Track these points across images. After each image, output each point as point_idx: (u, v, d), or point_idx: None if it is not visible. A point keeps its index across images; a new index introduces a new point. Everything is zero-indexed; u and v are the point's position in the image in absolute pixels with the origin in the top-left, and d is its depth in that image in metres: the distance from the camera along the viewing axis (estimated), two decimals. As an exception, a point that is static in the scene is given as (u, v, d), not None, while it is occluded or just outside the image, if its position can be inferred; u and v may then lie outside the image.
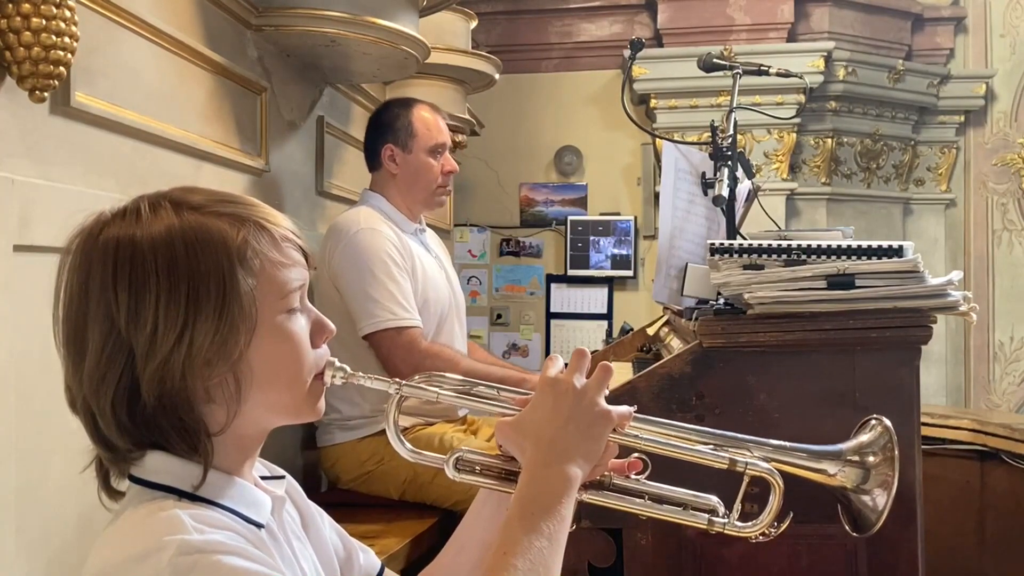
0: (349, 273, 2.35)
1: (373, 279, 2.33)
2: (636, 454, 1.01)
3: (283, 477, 1.01)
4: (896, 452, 0.99)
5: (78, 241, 0.86)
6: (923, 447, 1.71)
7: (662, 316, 2.91)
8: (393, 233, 2.43)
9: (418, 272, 2.45)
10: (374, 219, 2.43)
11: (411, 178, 2.54)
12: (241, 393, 0.86)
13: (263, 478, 0.98)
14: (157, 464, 0.85)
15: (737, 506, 0.98)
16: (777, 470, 0.98)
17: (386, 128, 2.55)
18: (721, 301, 1.77)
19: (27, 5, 1.36)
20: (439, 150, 2.56)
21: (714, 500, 1.00)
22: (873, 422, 1.03)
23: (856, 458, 1.00)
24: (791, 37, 4.44)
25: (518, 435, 0.96)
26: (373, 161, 2.58)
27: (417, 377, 1.01)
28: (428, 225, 2.72)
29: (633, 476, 1.02)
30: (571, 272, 4.78)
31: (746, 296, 1.65)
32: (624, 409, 0.98)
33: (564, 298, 4.84)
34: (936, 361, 4.68)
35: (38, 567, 1.47)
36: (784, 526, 0.98)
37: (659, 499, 1.01)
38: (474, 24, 3.53)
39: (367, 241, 2.37)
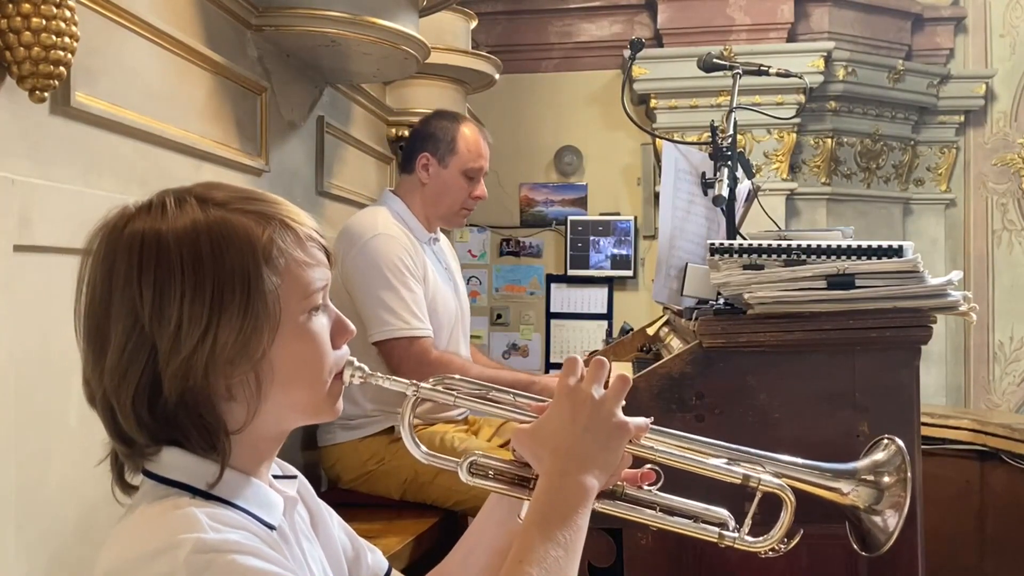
0: (363, 278, 2.34)
1: (387, 286, 2.33)
2: (649, 465, 1.02)
3: (295, 477, 1.01)
4: (909, 474, 0.99)
5: (102, 235, 0.86)
6: (923, 447, 1.71)
7: (662, 316, 2.91)
8: (408, 240, 2.44)
9: (429, 282, 2.45)
10: (390, 224, 2.44)
11: (438, 192, 2.55)
12: (262, 392, 0.86)
13: (276, 477, 0.98)
14: (173, 460, 0.85)
15: (748, 521, 0.99)
16: (789, 486, 0.98)
17: (429, 137, 2.56)
18: (721, 301, 1.77)
19: (27, 5, 1.35)
20: (474, 174, 2.57)
21: (724, 514, 1.01)
22: (886, 441, 1.03)
23: (870, 478, 1.00)
24: (791, 37, 4.44)
25: (535, 443, 0.96)
26: (407, 164, 2.59)
27: (433, 380, 1.00)
28: (442, 230, 2.72)
29: (645, 487, 1.02)
30: (571, 272, 4.78)
31: (746, 296, 1.65)
32: (641, 421, 0.98)
33: (564, 298, 4.84)
34: (936, 361, 4.68)
35: (38, 567, 1.47)
36: (794, 542, 0.99)
37: (670, 511, 1.01)
38: (474, 24, 3.53)
39: (383, 247, 2.36)
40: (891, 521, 0.99)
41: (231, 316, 0.82)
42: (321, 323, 0.91)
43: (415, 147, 2.57)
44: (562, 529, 0.88)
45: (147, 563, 0.76)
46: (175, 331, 0.82)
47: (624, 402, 0.98)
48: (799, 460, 1.01)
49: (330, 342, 0.92)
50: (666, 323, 2.72)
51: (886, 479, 1.00)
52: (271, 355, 0.85)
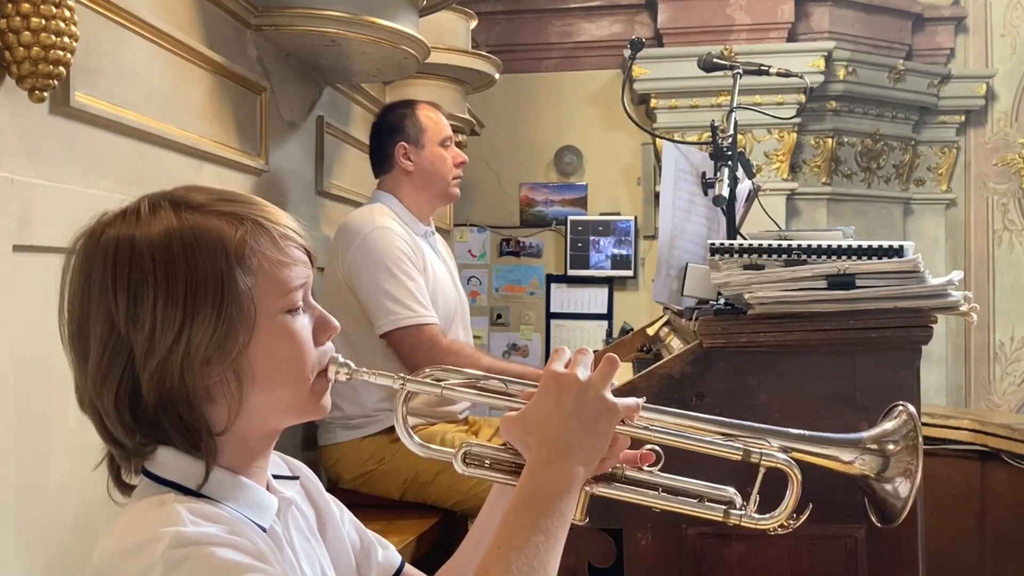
0: (364, 271, 2.34)
1: (390, 277, 2.33)
2: (649, 446, 1.00)
3: (296, 478, 1.01)
4: (919, 440, 0.97)
5: (81, 242, 0.87)
6: (924, 447, 1.71)
7: (662, 316, 2.91)
8: (406, 232, 2.44)
9: (429, 274, 2.45)
10: (387, 218, 2.44)
11: (427, 172, 2.55)
12: (243, 392, 0.86)
13: (277, 477, 0.98)
14: (167, 460, 0.86)
15: (755, 498, 0.96)
16: (793, 459, 0.96)
17: (394, 128, 2.56)
18: (721, 301, 1.77)
19: (27, 5, 1.35)
20: (447, 142, 2.59)
21: (731, 492, 0.98)
22: (899, 408, 1.00)
23: (875, 446, 0.98)
24: (791, 37, 4.43)
25: (522, 431, 0.95)
26: (384, 163, 2.59)
27: (424, 371, 1.00)
28: (440, 231, 2.74)
29: (646, 468, 1.00)
30: (571, 272, 4.77)
31: (746, 296, 1.65)
32: (631, 401, 0.96)
33: (564, 298, 4.84)
34: (936, 361, 4.67)
35: (38, 567, 1.47)
36: (804, 517, 0.96)
37: (674, 491, 0.99)
38: (474, 24, 3.53)
39: (382, 239, 2.37)
40: (903, 488, 0.97)
41: (204, 317, 0.83)
42: (302, 321, 0.91)
43: (386, 144, 2.57)
44: (544, 516, 0.87)
45: (128, 557, 0.77)
46: (149, 334, 0.83)
47: (615, 383, 0.96)
48: (803, 432, 0.98)
49: (313, 339, 0.92)
50: (666, 323, 2.72)
51: (892, 446, 0.97)
52: (249, 354, 0.86)
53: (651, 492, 0.99)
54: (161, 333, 0.82)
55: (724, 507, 0.98)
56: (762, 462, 0.96)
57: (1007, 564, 2.70)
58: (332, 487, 2.49)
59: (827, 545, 1.69)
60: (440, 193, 2.60)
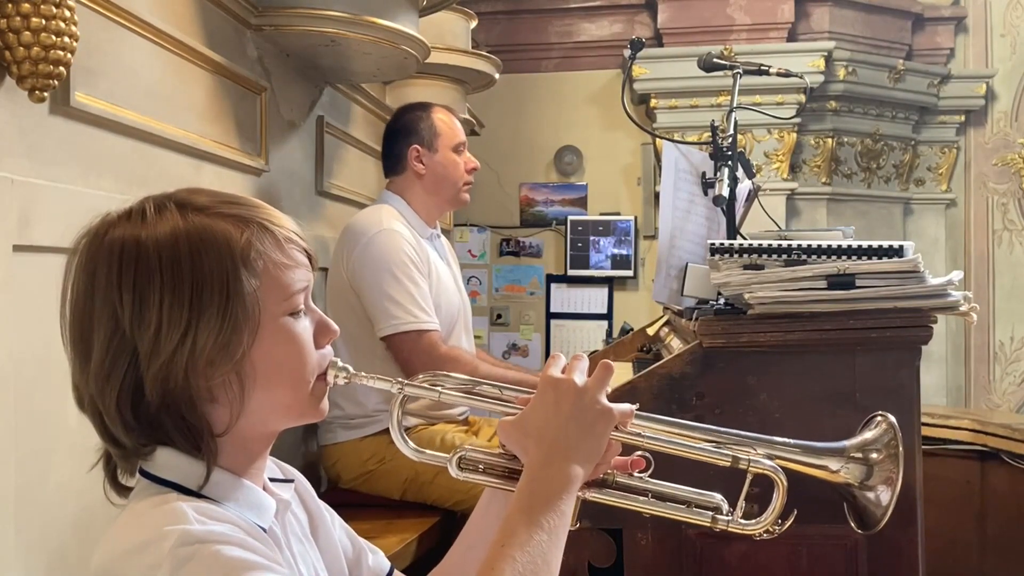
0: (368, 274, 2.34)
1: (394, 281, 2.33)
2: (639, 452, 1.01)
3: (291, 481, 1.02)
4: (900, 449, 0.99)
5: (84, 242, 0.87)
6: (923, 447, 1.71)
7: (662, 316, 2.91)
8: (412, 235, 2.44)
9: (433, 277, 2.45)
10: (394, 220, 2.44)
11: (439, 177, 2.56)
12: (244, 393, 0.87)
13: (273, 480, 0.98)
14: (167, 460, 0.86)
15: (741, 503, 0.98)
16: (780, 467, 0.98)
17: (409, 131, 2.56)
18: (721, 301, 1.77)
19: (27, 5, 1.35)
20: (461, 148, 2.60)
21: (718, 498, 1.00)
22: (878, 419, 1.02)
23: (859, 455, 1.00)
24: (791, 37, 4.43)
25: (520, 434, 0.96)
26: (396, 165, 2.59)
27: (421, 376, 1.01)
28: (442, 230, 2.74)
29: (636, 474, 1.01)
30: (571, 272, 4.77)
31: (746, 296, 1.65)
32: (626, 407, 0.98)
33: (564, 298, 4.84)
34: (936, 361, 4.67)
35: (38, 567, 1.47)
36: (788, 523, 0.98)
37: (662, 497, 1.01)
38: (474, 24, 3.53)
39: (388, 242, 2.37)
40: (884, 496, 0.99)
41: (209, 318, 0.83)
42: (303, 324, 0.91)
43: (399, 145, 2.57)
44: (545, 514, 0.88)
45: (134, 556, 0.77)
46: (155, 334, 0.83)
47: (609, 389, 0.97)
48: (789, 440, 1.01)
49: (313, 343, 0.92)
50: (666, 323, 2.72)
51: (875, 455, 0.99)
52: (252, 356, 0.86)
53: (641, 498, 1.01)
54: (166, 333, 0.83)
55: (711, 512, 1.00)
56: (750, 468, 0.98)
57: (1007, 564, 2.70)
58: (332, 487, 2.49)
59: (827, 545, 1.69)
60: (450, 198, 2.60)
